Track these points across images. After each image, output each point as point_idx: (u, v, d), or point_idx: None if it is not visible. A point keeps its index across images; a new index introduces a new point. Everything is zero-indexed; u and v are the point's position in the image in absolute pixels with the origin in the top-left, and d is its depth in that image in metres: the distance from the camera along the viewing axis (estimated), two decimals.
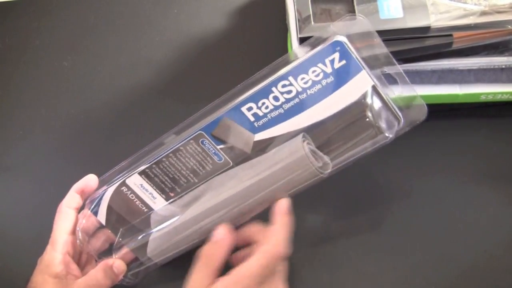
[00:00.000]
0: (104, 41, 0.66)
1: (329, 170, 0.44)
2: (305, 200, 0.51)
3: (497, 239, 0.49)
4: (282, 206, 0.43)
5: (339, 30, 0.42)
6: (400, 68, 0.43)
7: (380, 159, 0.53)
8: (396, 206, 0.51)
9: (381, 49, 0.43)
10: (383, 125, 0.43)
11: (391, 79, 0.44)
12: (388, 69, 0.43)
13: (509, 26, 0.47)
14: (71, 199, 0.48)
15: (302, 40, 0.48)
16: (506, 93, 0.51)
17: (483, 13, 0.47)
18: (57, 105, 0.62)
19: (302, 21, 0.49)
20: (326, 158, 0.44)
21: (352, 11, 0.48)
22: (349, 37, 0.42)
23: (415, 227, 0.50)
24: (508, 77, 0.51)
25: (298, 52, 0.44)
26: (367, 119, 0.42)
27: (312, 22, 0.48)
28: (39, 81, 0.64)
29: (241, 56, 0.63)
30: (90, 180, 0.48)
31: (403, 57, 0.48)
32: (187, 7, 0.67)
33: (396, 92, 0.43)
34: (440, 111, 0.53)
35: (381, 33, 0.47)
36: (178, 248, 0.47)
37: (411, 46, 0.48)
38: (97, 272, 0.45)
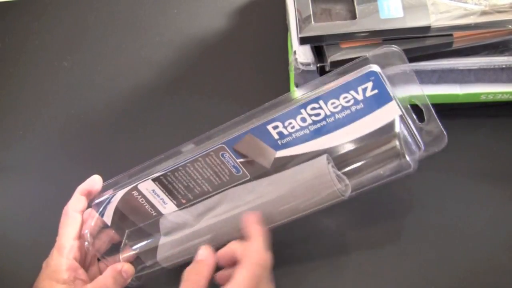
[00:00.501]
0: (104, 41, 0.66)
1: (349, 193, 0.44)
2: None
3: (498, 239, 0.49)
4: (252, 218, 0.43)
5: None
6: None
7: None
8: (396, 205, 0.51)
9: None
10: (405, 151, 0.43)
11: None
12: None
13: (510, 26, 0.47)
14: (77, 202, 0.47)
15: (302, 40, 0.48)
16: (507, 93, 0.51)
17: (484, 13, 0.47)
18: (57, 105, 0.62)
19: (302, 21, 0.49)
20: (347, 181, 0.44)
21: (352, 11, 0.48)
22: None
23: (415, 226, 0.50)
24: (509, 77, 0.51)
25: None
26: (395, 147, 0.43)
27: (313, 22, 0.48)
28: (39, 81, 0.64)
29: (241, 56, 0.63)
30: (95, 182, 0.48)
31: None
32: (187, 7, 0.67)
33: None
34: (440, 111, 0.53)
35: (381, 33, 0.47)
36: (189, 255, 0.46)
37: (411, 46, 0.48)
38: (106, 279, 0.45)
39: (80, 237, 0.47)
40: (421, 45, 0.48)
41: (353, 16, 0.48)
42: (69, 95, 0.63)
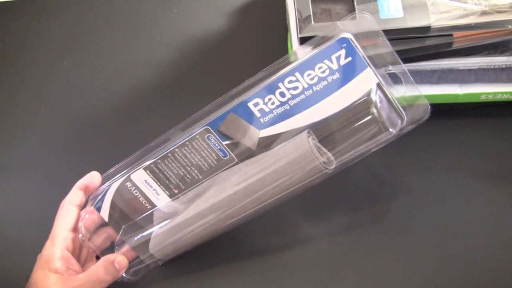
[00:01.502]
0: (104, 41, 0.66)
1: (333, 166, 0.44)
2: (306, 200, 0.51)
3: (498, 238, 0.49)
4: None
5: (345, 28, 0.43)
6: (405, 67, 0.43)
7: (380, 158, 0.53)
8: (396, 206, 0.51)
9: (386, 48, 0.43)
10: (387, 121, 0.43)
11: (395, 78, 0.44)
12: (393, 68, 0.43)
13: (509, 26, 0.47)
14: (74, 196, 0.48)
15: (302, 40, 0.48)
16: (506, 93, 0.51)
17: (483, 13, 0.47)
18: (57, 105, 0.62)
19: (302, 21, 0.49)
20: (330, 155, 0.44)
21: (352, 10, 0.48)
22: (354, 35, 0.42)
23: (416, 226, 0.50)
24: (509, 77, 0.51)
25: (299, 52, 0.45)
26: (372, 115, 0.43)
27: (313, 22, 0.48)
28: (39, 81, 0.64)
29: (241, 56, 0.63)
30: (93, 177, 0.49)
31: (403, 57, 0.47)
32: (187, 7, 0.67)
33: (401, 91, 0.44)
34: (441, 110, 0.53)
35: None
36: (181, 245, 0.47)
37: (411, 46, 0.48)
38: (98, 268, 0.46)
39: (75, 229, 0.47)
40: (421, 45, 0.48)
41: (353, 16, 0.48)
42: (69, 95, 0.63)
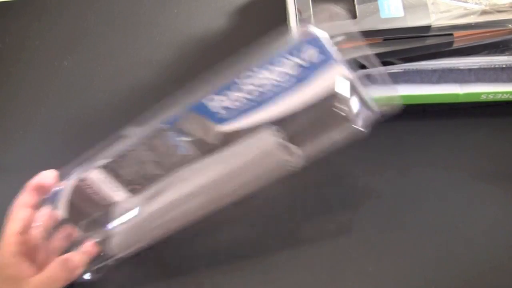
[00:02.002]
0: (104, 41, 0.66)
1: (299, 161, 0.43)
2: (305, 199, 0.51)
3: (498, 238, 0.49)
4: None
5: (321, 29, 0.42)
6: (380, 68, 0.43)
7: (381, 157, 0.53)
8: (396, 205, 0.51)
9: (362, 49, 0.43)
10: (355, 116, 0.42)
11: (372, 81, 0.44)
12: (369, 69, 0.43)
13: (510, 25, 0.47)
14: (25, 197, 0.46)
15: None
16: (507, 92, 0.51)
17: (484, 12, 0.47)
18: (57, 105, 0.62)
19: (302, 21, 0.49)
20: (296, 150, 0.43)
21: (352, 10, 0.48)
22: (332, 37, 0.41)
23: (416, 226, 0.50)
24: (509, 76, 0.51)
25: (269, 48, 0.44)
26: (338, 110, 0.42)
27: (313, 22, 0.48)
28: (39, 80, 0.64)
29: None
30: (45, 176, 0.47)
31: (404, 56, 0.48)
32: (187, 7, 0.67)
33: (374, 91, 0.43)
34: (441, 110, 0.53)
35: (381, 32, 0.47)
36: (143, 241, 0.47)
37: (411, 45, 0.48)
38: (52, 267, 0.44)
39: (26, 232, 0.46)
40: (422, 45, 0.48)
41: (354, 16, 0.48)
42: (69, 95, 0.63)
